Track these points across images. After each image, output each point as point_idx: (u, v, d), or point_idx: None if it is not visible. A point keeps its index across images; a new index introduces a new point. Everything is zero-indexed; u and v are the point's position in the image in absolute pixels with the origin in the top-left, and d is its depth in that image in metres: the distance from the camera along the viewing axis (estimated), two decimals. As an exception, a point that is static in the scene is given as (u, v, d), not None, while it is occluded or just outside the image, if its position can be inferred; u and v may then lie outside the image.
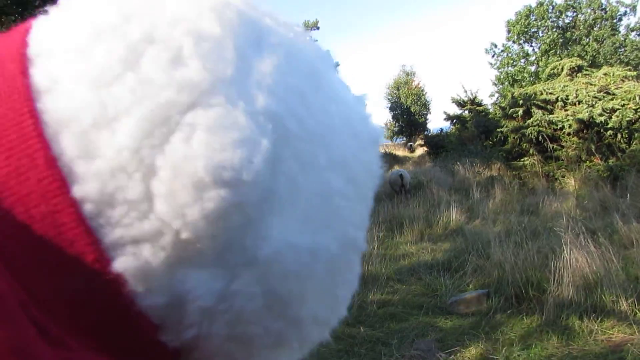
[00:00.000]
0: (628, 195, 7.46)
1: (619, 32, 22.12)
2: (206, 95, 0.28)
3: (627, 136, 10.20)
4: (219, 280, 0.29)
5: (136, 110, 0.27)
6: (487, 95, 24.30)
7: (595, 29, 21.95)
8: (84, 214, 0.26)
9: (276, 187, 0.29)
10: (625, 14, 22.27)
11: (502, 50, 24.46)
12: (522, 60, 23.61)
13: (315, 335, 0.36)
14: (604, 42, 21.27)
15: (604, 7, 22.16)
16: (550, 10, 22.85)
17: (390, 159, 21.90)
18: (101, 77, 0.27)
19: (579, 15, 22.46)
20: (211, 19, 0.30)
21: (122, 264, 0.27)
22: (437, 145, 16.16)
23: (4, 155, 0.27)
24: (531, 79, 21.81)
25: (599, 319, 3.80)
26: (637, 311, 3.82)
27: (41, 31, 0.31)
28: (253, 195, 0.28)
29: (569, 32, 22.23)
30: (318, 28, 30.52)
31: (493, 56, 24.81)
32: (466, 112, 14.94)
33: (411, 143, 30.92)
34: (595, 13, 22.03)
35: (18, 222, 0.26)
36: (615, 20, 22.09)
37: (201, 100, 0.28)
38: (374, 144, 0.39)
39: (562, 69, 12.98)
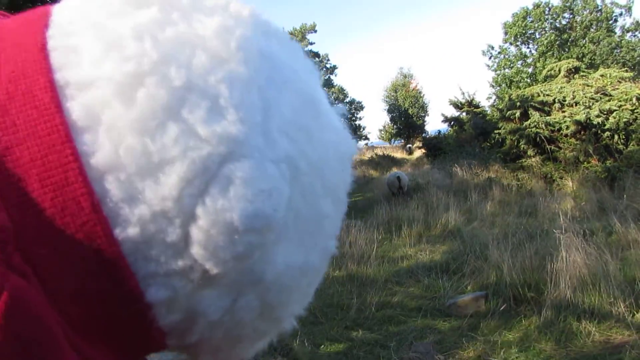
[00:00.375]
0: (625, 196, 7.48)
1: (615, 33, 22.22)
2: (240, 145, 0.29)
3: (624, 137, 10.23)
4: (228, 298, 0.32)
5: (179, 161, 0.28)
6: (485, 98, 24.39)
7: (591, 30, 22.03)
8: (124, 252, 0.28)
9: (286, 223, 0.32)
10: (620, 14, 22.38)
11: (498, 52, 24.55)
12: (520, 62, 23.68)
13: (288, 325, 0.39)
14: (600, 43, 21.34)
15: (599, 8, 22.26)
16: (547, 12, 22.93)
17: (388, 161, 21.91)
18: (145, 125, 0.28)
19: (576, 17, 22.54)
20: (240, 60, 0.30)
21: (154, 294, 0.29)
22: (435, 147, 16.18)
23: (50, 195, 0.27)
24: (528, 80, 21.88)
25: (597, 320, 3.80)
26: (635, 312, 3.82)
27: (66, 53, 0.29)
28: (273, 237, 0.31)
29: (566, 34, 22.31)
30: (316, 31, 30.59)
31: (490, 58, 24.93)
32: (464, 114, 14.98)
33: (409, 145, 30.92)
34: (591, 14, 22.12)
35: (64, 258, 0.28)
36: (610, 22, 22.19)
37: (235, 150, 0.29)
38: (350, 161, 0.40)
39: (559, 70, 13.03)
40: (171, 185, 0.28)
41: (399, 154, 27.48)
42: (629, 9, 22.16)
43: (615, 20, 22.44)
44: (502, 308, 4.30)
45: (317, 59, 31.66)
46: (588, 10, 22.28)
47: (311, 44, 30.64)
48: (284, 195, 0.30)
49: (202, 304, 0.31)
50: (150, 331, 0.31)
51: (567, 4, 22.79)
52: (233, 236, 0.29)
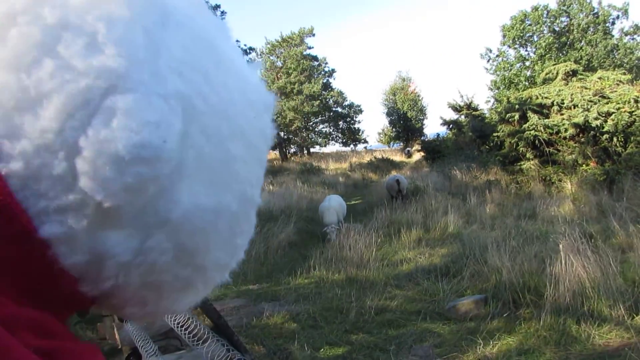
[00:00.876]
0: (625, 198, 7.48)
1: (613, 36, 22.28)
2: (122, 79, 0.31)
3: (622, 140, 10.24)
4: (135, 239, 0.33)
5: (57, 94, 0.29)
6: (483, 101, 24.43)
7: (588, 33, 22.09)
8: (10, 188, 0.29)
9: (185, 159, 0.33)
10: (617, 17, 22.45)
11: (497, 55, 24.59)
12: (518, 65, 23.72)
13: (217, 278, 0.42)
14: (598, 46, 21.40)
15: (596, 11, 22.33)
16: (544, 15, 22.99)
17: (387, 164, 21.91)
18: (19, 61, 0.29)
19: (573, 20, 22.61)
20: (120, 2, 0.32)
21: (48, 230, 0.30)
22: (434, 150, 16.20)
23: None
24: (527, 83, 21.91)
25: (597, 323, 3.79)
26: (635, 315, 3.82)
27: None
28: (166, 169, 0.32)
29: (564, 37, 22.36)
30: (314, 35, 30.62)
31: (488, 61, 24.96)
32: (462, 117, 15.01)
33: (408, 148, 30.97)
34: (587, 17, 22.18)
35: None
36: (607, 25, 22.26)
37: (118, 84, 0.30)
38: (267, 111, 0.42)
39: (557, 73, 13.06)
40: (50, 117, 0.29)
41: (398, 157, 27.49)
42: (625, 12, 22.23)
43: (613, 23, 22.51)
44: (501, 311, 4.30)
45: (315, 62, 31.69)
46: (585, 14, 22.35)
47: (310, 47, 30.66)
48: (173, 128, 0.32)
49: (107, 244, 0.32)
50: (55, 274, 0.31)
51: (564, 7, 22.86)
52: (120, 166, 0.30)
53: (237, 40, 12.59)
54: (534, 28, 23.05)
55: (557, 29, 22.88)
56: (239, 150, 0.38)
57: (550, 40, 22.25)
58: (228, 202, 0.37)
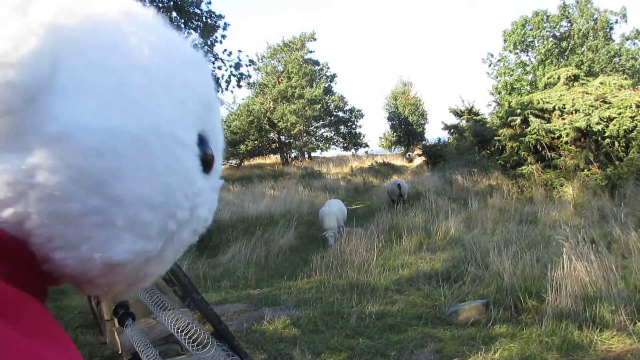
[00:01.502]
0: (626, 204, 7.47)
1: (613, 40, 22.31)
2: None
3: (624, 144, 10.24)
4: (16, 157, 0.35)
5: None
6: (485, 105, 24.46)
7: (589, 38, 22.13)
8: None
9: (58, 78, 0.37)
10: (616, 22, 22.50)
11: (498, 60, 24.64)
12: (519, 70, 23.77)
13: (154, 220, 0.42)
14: (599, 51, 21.43)
15: (595, 17, 22.39)
16: (545, 20, 23.05)
17: (389, 169, 21.91)
18: None
19: (574, 25, 22.66)
20: None
21: None
22: (435, 154, 16.19)
23: None
24: (528, 88, 21.95)
25: (599, 329, 3.78)
26: (637, 321, 3.80)
27: None
28: (23, 78, 0.35)
29: (564, 42, 22.40)
30: (315, 39, 30.70)
31: (490, 66, 25.01)
32: (464, 121, 15.01)
33: (409, 153, 30.96)
34: (587, 23, 22.23)
35: None
36: (607, 30, 22.30)
37: None
38: (188, 63, 0.47)
39: (559, 78, 13.07)
40: None
41: (399, 162, 27.50)
42: (624, 16, 22.29)
43: (612, 28, 22.56)
44: (503, 316, 4.28)
45: (317, 67, 31.75)
46: (584, 19, 22.40)
47: (311, 52, 30.74)
48: (27, 42, 0.35)
49: None
50: None
51: (564, 13, 22.92)
52: None
53: (239, 50, 12.64)
54: (535, 33, 23.11)
55: (557, 34, 22.93)
56: (138, 81, 0.40)
57: (550, 45, 22.29)
58: (128, 127, 0.39)
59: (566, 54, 22.23)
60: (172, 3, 10.99)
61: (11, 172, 0.35)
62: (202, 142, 0.47)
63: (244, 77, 12.61)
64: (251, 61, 12.99)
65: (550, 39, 22.72)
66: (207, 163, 0.47)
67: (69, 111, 0.36)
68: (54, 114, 0.36)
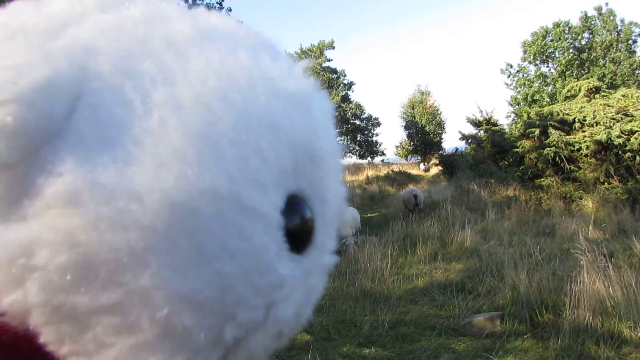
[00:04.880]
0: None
1: (636, 53, 21.97)
2: None
3: (646, 158, 10.06)
4: (12, 228, 0.28)
5: None
6: (504, 116, 24.25)
7: (611, 50, 21.83)
8: None
9: (75, 120, 0.29)
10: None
11: (517, 71, 24.44)
12: (539, 81, 23.54)
13: (226, 332, 0.31)
14: (621, 64, 21.12)
15: (619, 29, 22.08)
16: (566, 32, 22.81)
17: (404, 178, 21.82)
18: None
19: (595, 37, 22.38)
20: None
21: None
22: (452, 164, 16.07)
23: None
24: (548, 100, 21.71)
25: (616, 345, 3.70)
26: (657, 338, 3.72)
27: None
28: (21, 121, 0.27)
29: (585, 54, 22.13)
30: (334, 48, 30.86)
31: (509, 76, 24.81)
32: (481, 132, 14.89)
33: (425, 163, 30.82)
34: (611, 35, 21.93)
35: None
36: (630, 42, 21.98)
37: None
38: (289, 98, 0.36)
39: (580, 90, 12.91)
40: None
41: (415, 171, 27.36)
42: (648, 29, 21.96)
43: (635, 41, 22.22)
44: (518, 329, 4.22)
45: (334, 75, 31.86)
46: (607, 30, 22.11)
47: (329, 60, 30.87)
48: (33, 72, 0.28)
49: None
50: None
51: (586, 24, 22.67)
52: None
53: None
54: (555, 44, 22.88)
55: (578, 45, 22.67)
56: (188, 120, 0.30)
57: (571, 56, 22.04)
58: (165, 189, 0.28)
59: (586, 65, 21.95)
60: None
61: (4, 248, 0.27)
62: (294, 206, 0.34)
63: None
64: None
65: (571, 51, 22.48)
66: (299, 237, 0.34)
67: (81, 166, 0.27)
68: (60, 169, 0.27)
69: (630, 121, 10.37)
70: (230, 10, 11.96)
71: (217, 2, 11.51)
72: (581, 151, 10.87)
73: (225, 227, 0.29)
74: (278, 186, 0.33)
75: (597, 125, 10.85)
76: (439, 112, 35.07)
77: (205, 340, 0.30)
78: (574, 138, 11.04)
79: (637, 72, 21.39)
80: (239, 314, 0.31)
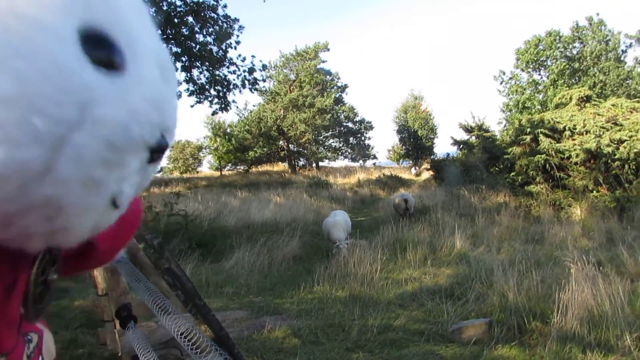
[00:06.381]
0: (632, 227, 7.39)
1: (625, 63, 22.23)
2: None
3: (634, 167, 10.17)
4: None
5: None
6: (495, 122, 24.42)
7: (601, 60, 22.08)
8: None
9: None
10: (630, 45, 22.41)
11: (510, 78, 24.63)
12: (530, 89, 23.74)
13: (38, 124, 0.37)
14: (610, 74, 21.36)
15: (608, 39, 22.34)
16: (558, 41, 23.04)
17: (396, 182, 21.87)
18: None
19: (586, 47, 22.62)
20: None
21: None
22: (444, 169, 16.13)
23: None
24: (539, 107, 21.90)
25: (603, 353, 3.72)
26: (643, 347, 3.74)
27: None
28: None
29: (576, 63, 22.35)
30: (328, 50, 30.90)
31: (501, 83, 25.00)
32: (473, 137, 14.97)
33: (416, 167, 30.94)
34: (600, 45, 22.18)
35: None
36: (619, 53, 22.23)
37: None
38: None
39: (571, 98, 13.03)
40: None
41: (406, 175, 27.44)
42: (638, 40, 22.20)
43: (625, 51, 22.48)
44: (506, 336, 4.23)
45: (328, 77, 31.89)
46: (597, 41, 22.34)
47: (323, 62, 30.91)
48: None
49: None
50: None
51: (576, 34, 22.91)
52: None
53: (253, 56, 12.79)
54: (547, 53, 23.09)
55: (569, 55, 22.90)
56: None
57: (562, 65, 22.26)
58: None
59: (577, 74, 22.18)
60: (188, 8, 11.12)
61: None
62: (94, 38, 0.41)
63: (257, 81, 12.74)
64: (264, 66, 13.10)
65: (562, 60, 22.70)
66: (102, 60, 0.41)
67: None
68: None
69: (620, 130, 10.48)
70: (225, 6, 11.93)
71: (213, 0, 11.48)
72: (571, 159, 10.97)
73: (12, 34, 0.35)
74: (67, 11, 0.39)
75: (587, 133, 10.96)
76: (432, 117, 35.25)
77: (20, 131, 0.35)
78: (564, 146, 11.13)
79: (626, 82, 21.64)
80: (47, 108, 0.36)
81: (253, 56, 12.73)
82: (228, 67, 12.20)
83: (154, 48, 0.50)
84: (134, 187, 0.51)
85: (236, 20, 11.90)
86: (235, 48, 12.22)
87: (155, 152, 0.49)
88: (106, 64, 0.41)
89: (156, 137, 0.48)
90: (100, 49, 0.41)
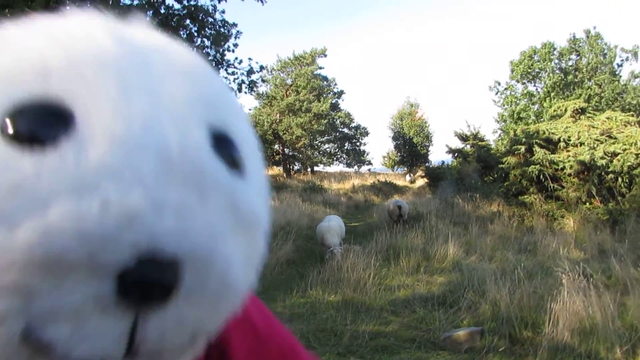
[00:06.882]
0: (627, 240, 7.44)
1: (621, 76, 22.41)
2: None
3: (627, 181, 10.24)
4: None
5: None
6: (490, 132, 24.55)
7: (597, 73, 22.25)
8: None
9: None
10: (627, 59, 22.60)
11: (505, 88, 24.79)
12: (525, 100, 23.88)
13: None
14: (605, 87, 21.52)
15: (604, 52, 22.53)
16: (552, 53, 23.21)
17: (390, 188, 21.90)
18: None
19: (582, 59, 22.80)
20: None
21: None
22: (438, 177, 16.19)
23: None
24: (534, 118, 22.03)
25: (593, 365, 3.74)
26: (632, 359, 3.76)
27: None
28: None
29: (570, 75, 22.51)
30: (326, 55, 30.99)
31: (496, 94, 25.14)
32: (468, 146, 15.05)
33: (411, 174, 31.02)
34: (596, 58, 22.36)
35: None
36: (615, 66, 22.41)
37: None
38: None
39: (566, 110, 13.13)
40: None
41: (401, 182, 27.50)
42: (635, 54, 22.41)
43: (621, 65, 22.67)
44: (497, 345, 4.24)
45: (325, 82, 31.98)
46: (594, 54, 22.52)
47: (320, 68, 30.99)
48: None
49: None
50: None
51: (574, 46, 23.10)
52: None
53: (250, 58, 12.78)
54: (542, 65, 23.26)
55: (564, 67, 23.07)
56: None
57: (557, 78, 22.42)
58: None
59: (571, 87, 22.34)
60: (185, 11, 11.10)
61: None
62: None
63: (256, 84, 12.74)
64: (262, 67, 13.10)
65: (557, 72, 22.86)
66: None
67: None
68: None
69: (614, 143, 10.57)
70: (223, 12, 11.94)
71: (211, 5, 11.48)
72: (565, 170, 11.04)
73: None
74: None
75: (581, 145, 11.04)
76: (427, 125, 35.41)
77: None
78: (559, 157, 11.21)
79: (621, 95, 21.82)
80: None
81: (250, 59, 12.73)
82: (226, 69, 12.20)
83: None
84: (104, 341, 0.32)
85: (234, 25, 11.90)
86: (233, 51, 12.22)
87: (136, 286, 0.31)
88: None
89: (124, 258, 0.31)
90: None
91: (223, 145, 0.39)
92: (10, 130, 0.31)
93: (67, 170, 0.31)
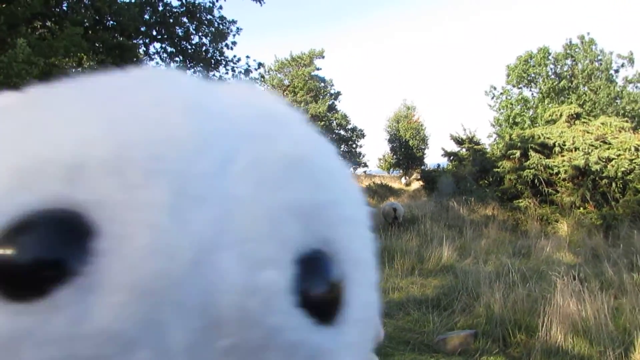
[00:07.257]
0: (620, 245, 7.48)
1: (616, 82, 22.55)
2: None
3: (621, 186, 10.30)
4: None
5: None
6: (486, 136, 24.58)
7: (593, 78, 22.38)
8: None
9: None
10: (622, 65, 22.76)
11: (501, 93, 24.89)
12: (520, 105, 23.99)
13: None
14: (600, 92, 21.64)
15: (599, 58, 22.67)
16: (548, 58, 23.33)
17: (386, 191, 21.92)
18: None
19: (578, 65, 22.93)
20: None
21: None
22: (434, 180, 16.21)
23: None
24: (529, 122, 22.13)
25: (586, 368, 3.75)
26: (625, 363, 3.78)
27: None
28: None
29: (565, 80, 22.62)
30: (323, 57, 31.03)
31: (492, 98, 25.24)
32: (464, 149, 15.09)
33: (407, 177, 31.08)
34: (592, 64, 22.49)
35: None
36: (610, 72, 22.55)
37: None
38: None
39: (561, 115, 13.20)
40: None
41: (396, 184, 27.53)
42: (630, 60, 22.57)
43: (617, 71, 22.82)
44: (491, 348, 4.24)
45: (322, 84, 32.01)
46: (589, 60, 22.65)
47: (318, 69, 31.03)
48: None
49: None
50: None
51: (568, 52, 23.23)
52: None
53: (247, 56, 12.79)
54: (538, 70, 23.38)
55: (559, 72, 23.19)
56: None
57: (552, 83, 22.54)
58: None
59: (566, 92, 22.45)
60: (183, 9, 11.09)
61: None
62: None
63: (255, 81, 12.74)
64: (260, 64, 13.08)
65: (552, 77, 22.98)
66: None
67: None
68: None
69: (608, 149, 10.63)
70: (221, 8, 11.92)
71: (209, 2, 11.46)
72: (559, 175, 11.09)
73: None
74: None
75: (576, 150, 11.10)
76: (423, 128, 35.47)
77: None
78: (553, 162, 11.26)
79: (615, 101, 21.95)
80: None
81: (247, 57, 12.72)
82: (225, 66, 12.19)
83: None
84: None
85: (233, 22, 11.89)
86: (232, 49, 12.21)
87: None
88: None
89: None
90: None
91: (312, 271, 0.26)
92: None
93: (53, 332, 0.21)
